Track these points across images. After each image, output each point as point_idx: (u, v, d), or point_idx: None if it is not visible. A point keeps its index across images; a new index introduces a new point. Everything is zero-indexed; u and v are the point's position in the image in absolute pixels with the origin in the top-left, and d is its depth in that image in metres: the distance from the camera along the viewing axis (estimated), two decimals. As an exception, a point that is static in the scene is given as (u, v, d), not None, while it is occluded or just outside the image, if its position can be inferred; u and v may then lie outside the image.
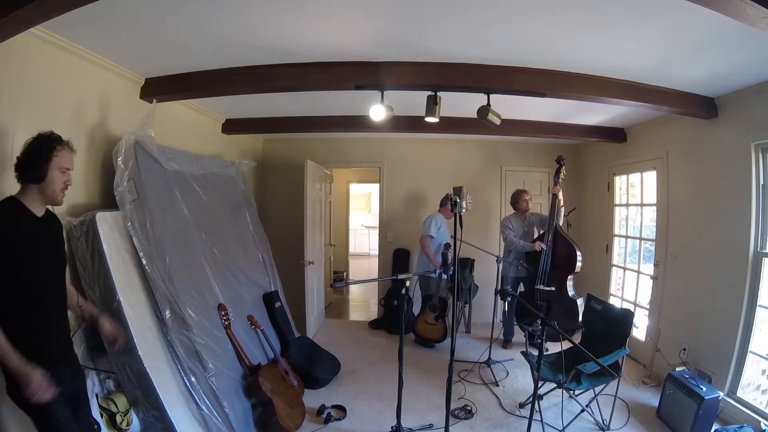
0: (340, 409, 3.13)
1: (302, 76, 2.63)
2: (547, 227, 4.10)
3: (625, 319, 3.01)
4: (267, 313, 3.63)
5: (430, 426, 2.91)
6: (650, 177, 4.04)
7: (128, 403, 2.21)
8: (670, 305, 3.62)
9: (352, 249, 8.77)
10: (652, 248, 3.96)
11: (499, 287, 3.86)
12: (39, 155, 1.54)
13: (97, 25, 2.01)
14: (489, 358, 3.97)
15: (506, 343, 4.51)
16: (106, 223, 2.27)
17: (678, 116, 3.37)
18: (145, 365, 2.17)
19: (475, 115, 2.89)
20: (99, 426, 1.98)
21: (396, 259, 5.48)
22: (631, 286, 4.29)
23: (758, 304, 2.80)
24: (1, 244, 1.46)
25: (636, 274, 4.20)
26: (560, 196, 4.07)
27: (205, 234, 3.04)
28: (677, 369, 3.04)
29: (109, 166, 2.47)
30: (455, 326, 2.58)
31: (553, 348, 3.76)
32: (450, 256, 3.79)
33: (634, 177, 4.40)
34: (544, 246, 4.01)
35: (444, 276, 4.29)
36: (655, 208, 3.96)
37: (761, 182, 2.81)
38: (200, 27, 2.11)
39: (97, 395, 2.13)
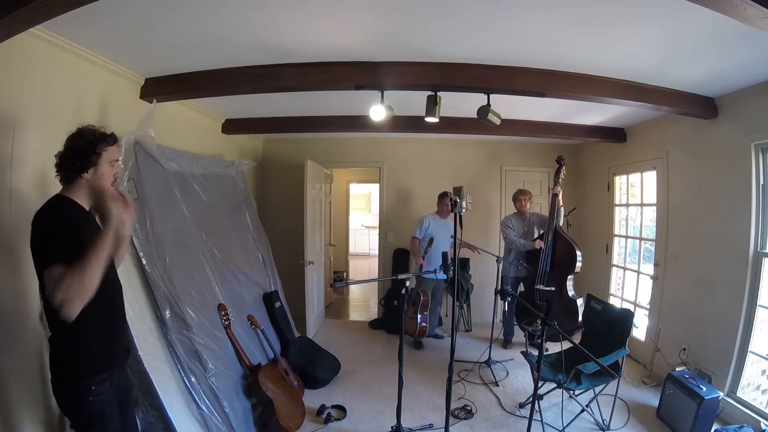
0: (340, 409, 3.13)
1: (302, 76, 2.63)
2: (546, 227, 4.10)
3: (625, 319, 3.01)
4: (267, 313, 3.63)
5: (430, 426, 2.91)
6: (650, 177, 4.04)
7: (128, 403, 2.21)
8: (670, 305, 3.62)
9: (352, 249, 8.77)
10: (652, 248, 3.96)
11: (499, 287, 3.86)
12: (89, 150, 1.48)
13: (97, 25, 2.01)
14: (489, 358, 3.97)
15: (506, 343, 4.51)
16: (106, 223, 2.27)
17: (678, 116, 3.37)
18: (145, 365, 2.17)
19: (475, 115, 2.89)
20: (138, 427, 1.96)
21: (396, 259, 5.48)
22: (631, 286, 4.29)
23: (758, 304, 2.80)
24: (72, 239, 1.38)
25: (636, 274, 4.19)
26: (560, 196, 4.07)
27: (205, 234, 3.04)
28: (677, 369, 3.04)
29: (109, 166, 2.46)
30: (455, 326, 2.57)
31: (553, 348, 3.77)
32: (449, 255, 3.75)
33: (634, 177, 4.40)
34: (543, 245, 4.01)
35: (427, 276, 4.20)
36: (655, 208, 3.96)
37: (761, 182, 2.82)
38: (200, 27, 2.11)
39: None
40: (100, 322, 1.50)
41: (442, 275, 3.78)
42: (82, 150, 1.48)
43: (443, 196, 4.51)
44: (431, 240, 4.03)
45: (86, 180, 1.50)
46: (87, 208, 1.56)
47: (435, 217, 4.52)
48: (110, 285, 1.60)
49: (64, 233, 1.38)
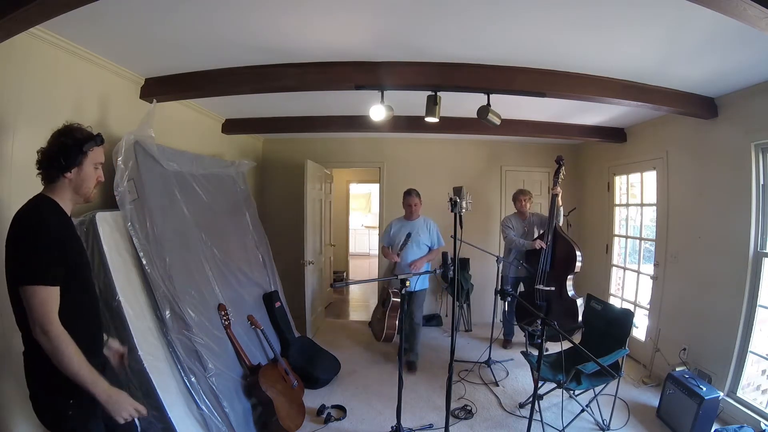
0: (340, 409, 3.13)
1: (302, 76, 2.63)
2: (546, 227, 4.10)
3: (625, 319, 3.01)
4: (267, 313, 3.63)
5: (430, 426, 2.91)
6: (650, 177, 4.04)
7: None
8: (670, 305, 3.62)
9: (352, 249, 8.77)
10: (652, 248, 3.96)
11: (499, 287, 3.86)
12: (76, 149, 1.42)
13: (97, 25, 2.01)
14: (489, 358, 3.97)
15: (506, 343, 4.51)
16: (106, 223, 2.27)
17: (678, 116, 3.37)
18: (145, 365, 2.17)
19: (475, 115, 2.89)
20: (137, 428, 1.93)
21: (396, 259, 5.47)
22: (631, 286, 4.29)
23: (758, 304, 2.80)
24: (56, 245, 1.34)
25: (636, 274, 4.20)
26: (559, 196, 4.07)
27: (205, 234, 3.04)
28: (677, 369, 3.04)
29: (109, 166, 2.45)
30: (455, 326, 2.57)
31: (553, 348, 3.77)
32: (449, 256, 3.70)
33: (634, 177, 4.40)
34: (544, 245, 4.01)
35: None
36: (655, 208, 3.96)
37: (761, 182, 2.82)
38: (200, 27, 2.11)
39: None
40: (85, 331, 1.44)
41: (413, 287, 3.45)
42: (69, 148, 1.41)
43: (406, 194, 3.94)
44: (408, 235, 3.71)
45: (69, 180, 1.43)
46: (69, 212, 1.48)
47: (400, 220, 4.03)
48: (92, 293, 1.56)
49: (48, 250, 1.31)
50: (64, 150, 1.41)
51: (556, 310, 3.91)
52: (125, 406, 1.37)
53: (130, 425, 1.74)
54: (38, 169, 1.43)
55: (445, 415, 2.44)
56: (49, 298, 1.29)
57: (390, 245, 3.93)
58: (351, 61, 2.58)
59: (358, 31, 2.20)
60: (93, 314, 1.55)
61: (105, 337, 1.70)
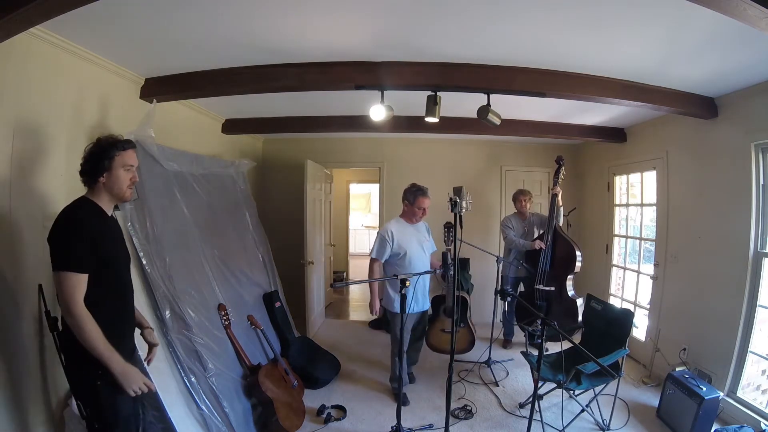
0: (340, 409, 3.13)
1: (302, 76, 2.63)
2: (546, 227, 4.10)
3: (625, 319, 3.01)
4: (267, 313, 3.63)
5: (430, 426, 2.91)
6: (650, 177, 4.04)
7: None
8: (670, 305, 3.62)
9: (352, 249, 8.76)
10: (652, 248, 3.96)
11: (499, 287, 3.85)
12: (102, 155, 1.60)
13: (98, 25, 2.01)
14: (489, 358, 3.97)
15: (506, 343, 4.51)
16: (106, 223, 2.27)
17: (678, 116, 3.37)
18: (145, 365, 2.17)
19: (475, 115, 2.89)
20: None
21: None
22: (631, 286, 4.29)
23: (758, 304, 2.80)
24: (92, 242, 1.51)
25: (636, 274, 4.19)
26: (559, 196, 4.07)
27: (205, 234, 3.05)
28: (677, 369, 3.04)
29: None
30: (454, 326, 2.57)
31: (553, 348, 3.77)
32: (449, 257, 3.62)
33: (634, 177, 4.40)
34: (543, 246, 4.01)
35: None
36: (655, 208, 3.96)
37: (761, 182, 2.81)
38: (200, 27, 2.11)
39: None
40: (111, 319, 1.58)
41: (425, 305, 3.27)
42: (96, 155, 1.61)
43: (421, 195, 3.21)
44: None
45: (103, 183, 1.61)
46: (109, 212, 1.67)
47: (399, 223, 3.30)
48: (124, 286, 1.72)
49: (80, 242, 1.49)
50: (93, 158, 1.61)
51: (556, 310, 3.91)
52: (136, 381, 1.54)
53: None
54: (80, 176, 1.64)
55: (445, 415, 2.44)
56: (77, 283, 1.46)
57: (395, 254, 3.19)
58: (351, 61, 2.57)
59: (358, 31, 2.20)
60: (123, 301, 1.73)
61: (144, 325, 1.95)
